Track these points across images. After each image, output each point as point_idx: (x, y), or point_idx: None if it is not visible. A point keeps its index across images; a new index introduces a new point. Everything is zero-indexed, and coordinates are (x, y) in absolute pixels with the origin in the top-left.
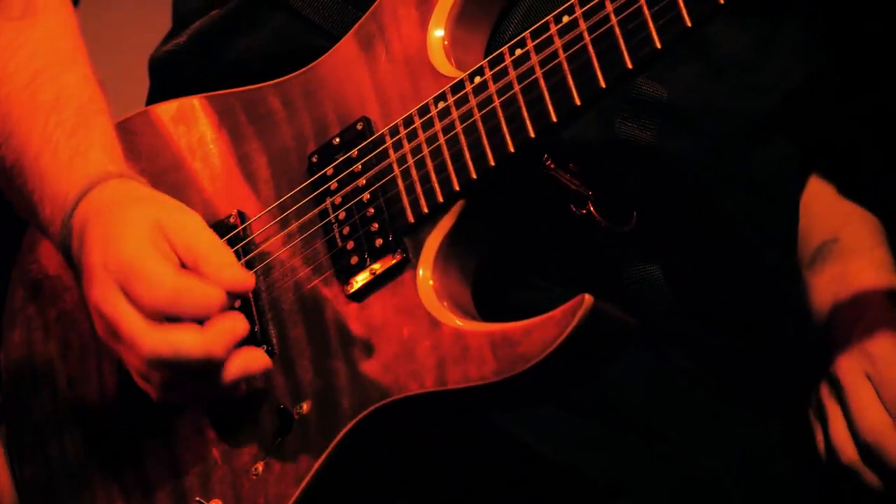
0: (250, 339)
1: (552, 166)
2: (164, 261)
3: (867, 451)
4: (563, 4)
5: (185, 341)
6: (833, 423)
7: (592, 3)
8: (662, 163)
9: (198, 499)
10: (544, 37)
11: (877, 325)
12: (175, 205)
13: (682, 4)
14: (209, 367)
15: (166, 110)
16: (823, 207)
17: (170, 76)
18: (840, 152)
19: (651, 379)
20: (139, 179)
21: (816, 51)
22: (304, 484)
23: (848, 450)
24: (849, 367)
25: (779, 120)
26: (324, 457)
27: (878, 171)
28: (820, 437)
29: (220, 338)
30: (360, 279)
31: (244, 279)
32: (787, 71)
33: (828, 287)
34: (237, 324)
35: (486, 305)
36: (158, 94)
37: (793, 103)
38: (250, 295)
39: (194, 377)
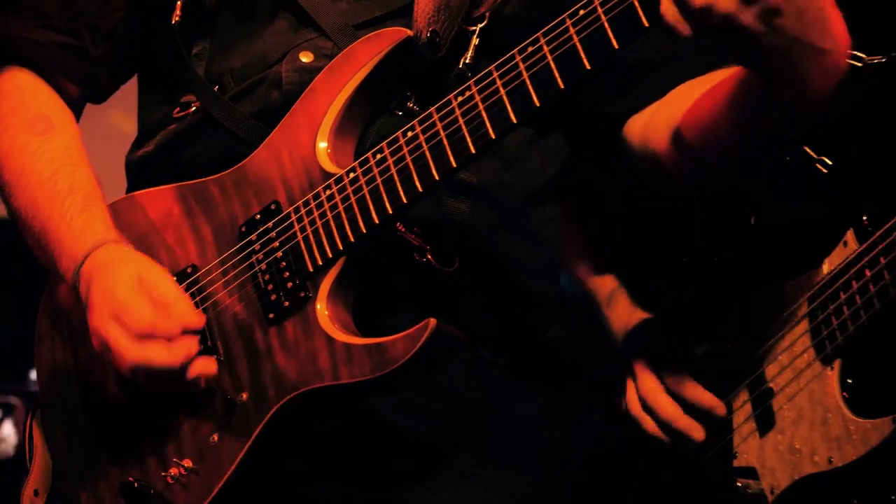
0: (206, 351)
1: (403, 230)
2: (145, 301)
3: (645, 405)
4: (407, 123)
5: (155, 355)
6: (629, 393)
7: (428, 123)
8: (474, 225)
9: (174, 459)
10: (396, 145)
11: (654, 334)
12: (152, 264)
13: (489, 126)
14: (172, 372)
15: (142, 196)
16: (609, 265)
17: (143, 173)
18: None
19: (469, 368)
20: (127, 243)
21: (566, 146)
22: (246, 446)
23: (635, 407)
24: (639, 361)
25: (548, 191)
26: (258, 430)
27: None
28: (623, 405)
29: (179, 353)
30: (278, 311)
31: (197, 320)
32: (549, 158)
33: (621, 317)
34: (191, 343)
35: (365, 325)
36: (135, 185)
37: (557, 179)
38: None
39: (163, 377)
